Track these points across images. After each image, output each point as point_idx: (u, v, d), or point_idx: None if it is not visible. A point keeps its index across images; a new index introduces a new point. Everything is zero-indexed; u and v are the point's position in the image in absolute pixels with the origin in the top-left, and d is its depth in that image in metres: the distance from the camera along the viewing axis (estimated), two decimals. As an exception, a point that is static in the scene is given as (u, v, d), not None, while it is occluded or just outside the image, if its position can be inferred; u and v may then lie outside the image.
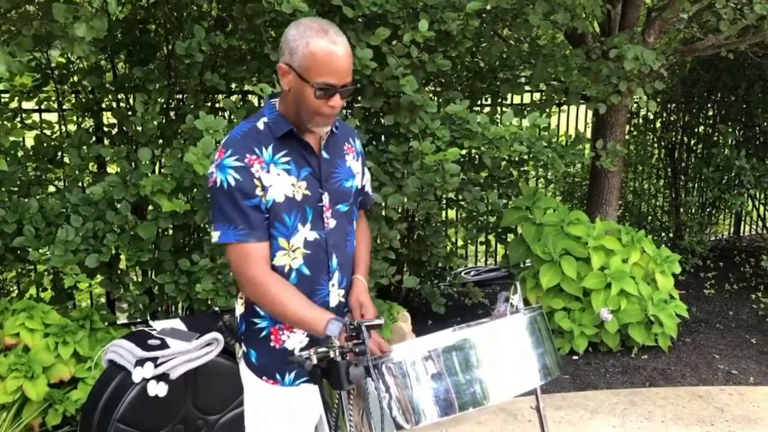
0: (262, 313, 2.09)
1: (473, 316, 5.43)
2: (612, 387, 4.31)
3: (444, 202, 5.50)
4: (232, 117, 3.85)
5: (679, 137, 7.32)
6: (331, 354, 1.62)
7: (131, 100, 4.13)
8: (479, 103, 5.57)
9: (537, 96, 5.48)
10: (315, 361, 1.61)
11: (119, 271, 3.91)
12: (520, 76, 5.05)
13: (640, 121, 7.26)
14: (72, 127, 4.49)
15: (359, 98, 4.07)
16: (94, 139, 4.36)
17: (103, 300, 5.03)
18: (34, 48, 3.35)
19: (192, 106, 3.90)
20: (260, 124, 2.03)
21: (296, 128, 2.03)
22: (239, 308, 2.16)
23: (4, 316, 3.63)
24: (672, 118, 7.30)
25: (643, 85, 4.77)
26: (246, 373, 2.14)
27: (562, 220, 4.84)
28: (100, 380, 2.98)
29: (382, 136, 4.33)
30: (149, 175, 3.51)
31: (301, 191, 2.03)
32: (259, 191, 1.96)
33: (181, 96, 4.08)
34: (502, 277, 6.32)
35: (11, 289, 4.20)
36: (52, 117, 4.52)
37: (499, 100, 5.77)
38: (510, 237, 5.46)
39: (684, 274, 6.29)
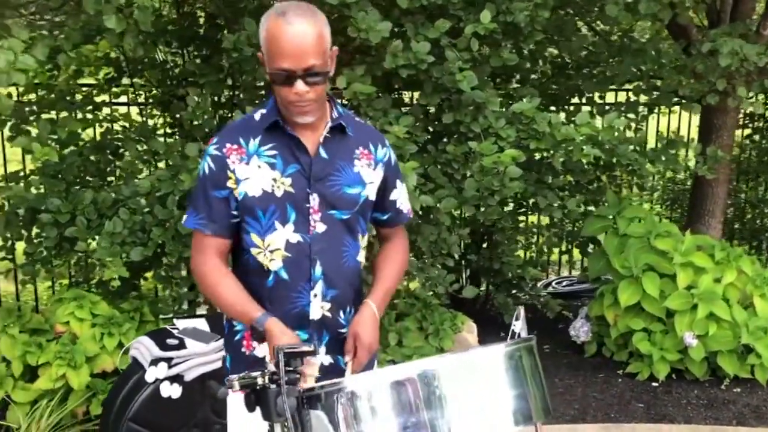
0: None
1: (551, 330, 5.06)
2: (691, 422, 3.84)
3: (526, 207, 5.16)
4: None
5: (809, 142, 6.51)
6: (259, 381, 1.44)
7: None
8: (571, 101, 5.16)
9: (627, 95, 5.00)
10: (237, 388, 1.44)
11: (171, 265, 3.91)
12: (609, 73, 4.61)
13: (763, 124, 6.51)
14: (151, 121, 4.58)
15: (417, 94, 3.86)
16: (175, 131, 4.42)
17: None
18: (84, 41, 3.38)
19: (247, 101, 3.84)
20: (257, 115, 1.95)
21: (287, 121, 1.89)
22: None
23: (60, 304, 3.72)
24: (801, 121, 6.51)
25: (750, 83, 4.23)
26: None
27: (649, 231, 4.38)
28: (121, 376, 2.97)
29: (446, 136, 4.10)
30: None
31: (284, 188, 1.89)
32: (231, 183, 1.89)
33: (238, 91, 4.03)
34: (594, 290, 5.89)
35: (68, 279, 4.32)
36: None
37: (595, 99, 5.35)
38: (594, 247, 5.03)
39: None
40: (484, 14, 3.50)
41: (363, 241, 2.04)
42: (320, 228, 1.92)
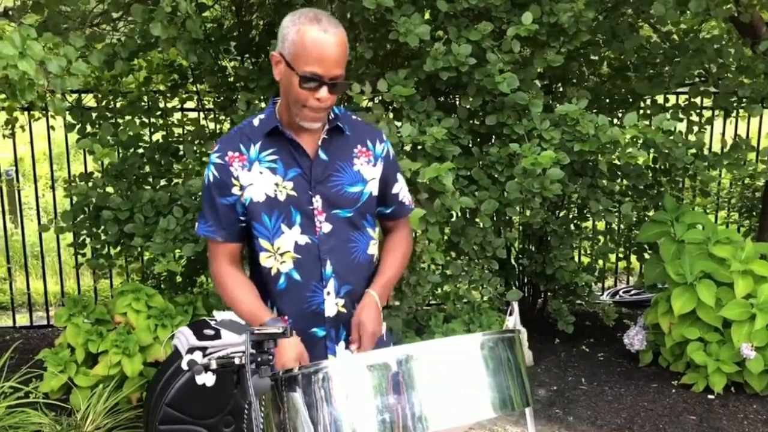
0: None
1: (610, 339, 4.94)
2: (746, 437, 3.68)
3: (588, 212, 5.05)
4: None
5: None
6: (236, 360, 1.52)
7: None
8: (638, 105, 4.99)
9: (687, 97, 4.81)
10: (214, 366, 1.53)
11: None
12: (667, 74, 4.46)
13: None
14: (218, 126, 4.79)
15: (459, 96, 3.87)
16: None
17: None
18: (142, 49, 3.59)
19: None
20: (256, 121, 2.01)
21: (287, 125, 1.95)
22: None
23: (121, 296, 3.95)
24: None
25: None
26: None
27: (707, 238, 4.22)
28: (163, 363, 3.13)
29: (491, 138, 4.10)
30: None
31: (286, 192, 1.95)
32: (236, 190, 1.95)
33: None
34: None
35: (133, 276, 4.56)
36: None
37: (658, 102, 5.19)
38: (650, 254, 4.87)
39: None
40: (525, 16, 3.49)
41: (374, 234, 2.09)
42: (326, 228, 1.98)
